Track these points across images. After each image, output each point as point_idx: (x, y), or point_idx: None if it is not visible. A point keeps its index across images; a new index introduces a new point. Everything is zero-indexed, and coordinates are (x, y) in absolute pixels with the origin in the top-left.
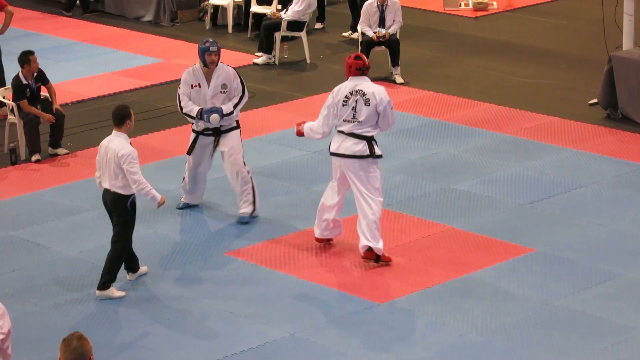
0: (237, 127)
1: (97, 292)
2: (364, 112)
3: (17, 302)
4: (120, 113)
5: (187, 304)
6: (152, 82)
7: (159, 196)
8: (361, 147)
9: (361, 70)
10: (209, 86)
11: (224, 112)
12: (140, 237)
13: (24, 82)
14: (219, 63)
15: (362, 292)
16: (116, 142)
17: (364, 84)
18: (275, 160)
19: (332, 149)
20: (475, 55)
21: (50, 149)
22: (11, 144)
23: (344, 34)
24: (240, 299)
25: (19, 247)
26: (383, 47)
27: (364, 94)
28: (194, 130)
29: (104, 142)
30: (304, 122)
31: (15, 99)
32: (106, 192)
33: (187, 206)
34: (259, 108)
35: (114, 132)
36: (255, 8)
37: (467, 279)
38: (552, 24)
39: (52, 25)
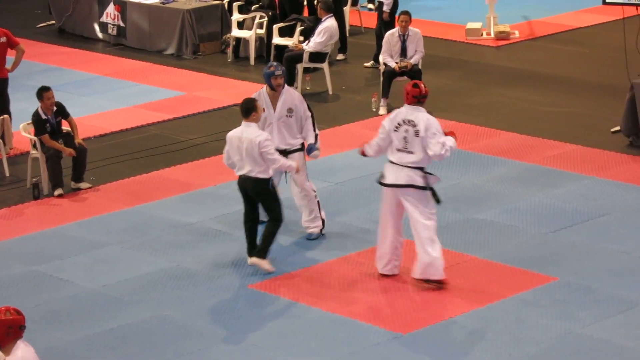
0: (301, 149)
1: (253, 259)
2: (415, 143)
3: (40, 337)
4: (247, 106)
5: (211, 337)
6: (175, 115)
7: (293, 164)
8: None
9: (417, 99)
10: (274, 110)
11: (312, 142)
12: (163, 271)
13: (43, 116)
14: (285, 86)
15: (385, 323)
16: (250, 132)
17: (417, 114)
18: None
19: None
20: (498, 84)
21: (73, 183)
22: (34, 179)
23: (366, 64)
24: (263, 331)
25: (42, 282)
26: (405, 77)
27: (415, 124)
28: None
29: (235, 133)
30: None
31: (36, 133)
32: (246, 179)
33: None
34: None
35: (243, 123)
36: (277, 40)
37: (491, 309)
38: (574, 52)
39: (74, 59)
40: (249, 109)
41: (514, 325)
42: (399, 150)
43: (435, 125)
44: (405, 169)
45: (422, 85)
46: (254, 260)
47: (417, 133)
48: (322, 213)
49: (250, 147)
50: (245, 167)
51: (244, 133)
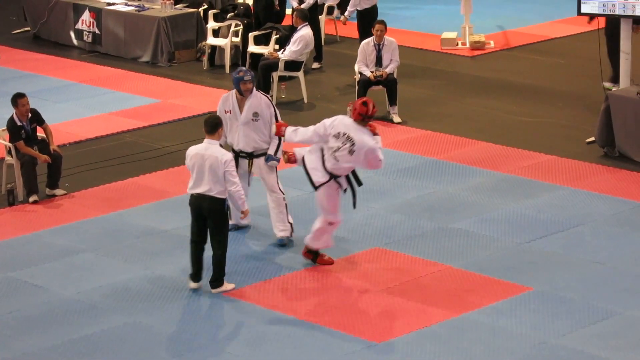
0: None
1: (213, 290)
2: (345, 157)
3: (14, 344)
4: (214, 121)
5: (185, 344)
6: (150, 122)
7: (247, 208)
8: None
9: (362, 117)
10: (241, 113)
11: (271, 153)
12: (138, 279)
13: (18, 123)
14: (254, 91)
15: (360, 332)
16: (214, 150)
17: (361, 135)
18: None
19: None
20: (473, 94)
21: (47, 189)
22: (9, 185)
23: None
24: (238, 339)
25: (17, 288)
26: (380, 86)
27: (353, 143)
28: (233, 150)
29: (198, 149)
30: (286, 125)
31: (11, 140)
32: (201, 197)
33: (234, 227)
34: None
35: (206, 140)
36: (252, 48)
37: (465, 318)
38: (549, 62)
39: (49, 66)
40: (216, 124)
41: (488, 335)
42: (330, 148)
43: (376, 151)
44: (321, 169)
45: (371, 106)
46: (215, 291)
47: (351, 152)
48: (290, 217)
49: (215, 164)
50: (203, 186)
51: (208, 150)
